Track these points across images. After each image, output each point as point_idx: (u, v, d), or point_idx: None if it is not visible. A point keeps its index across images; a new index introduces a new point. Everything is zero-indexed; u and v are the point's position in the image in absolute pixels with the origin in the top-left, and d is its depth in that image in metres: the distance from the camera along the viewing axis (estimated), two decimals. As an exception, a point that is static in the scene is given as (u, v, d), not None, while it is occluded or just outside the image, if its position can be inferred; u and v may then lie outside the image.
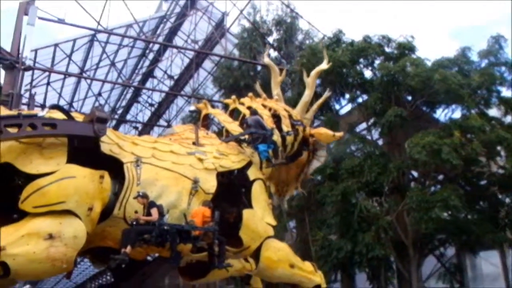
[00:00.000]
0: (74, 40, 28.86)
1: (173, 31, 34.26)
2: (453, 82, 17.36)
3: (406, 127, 18.65)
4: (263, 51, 26.49)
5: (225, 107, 17.23)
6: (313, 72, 14.59)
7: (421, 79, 17.98)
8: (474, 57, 19.83)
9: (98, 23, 24.67)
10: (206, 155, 10.18)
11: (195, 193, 9.43)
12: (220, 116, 12.99)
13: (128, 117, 42.23)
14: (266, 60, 15.16)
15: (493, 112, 19.39)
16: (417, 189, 17.78)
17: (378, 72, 19.87)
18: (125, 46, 33.56)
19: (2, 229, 7.23)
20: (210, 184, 9.75)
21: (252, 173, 10.79)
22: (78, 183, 7.79)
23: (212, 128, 18.29)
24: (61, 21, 22.39)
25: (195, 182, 9.48)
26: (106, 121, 8.42)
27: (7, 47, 19.82)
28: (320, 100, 14.77)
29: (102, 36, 30.00)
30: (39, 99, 28.33)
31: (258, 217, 10.38)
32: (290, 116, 12.95)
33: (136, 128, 37.96)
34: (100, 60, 33.11)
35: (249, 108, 12.46)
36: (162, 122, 38.33)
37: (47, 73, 29.48)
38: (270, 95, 14.38)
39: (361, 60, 20.80)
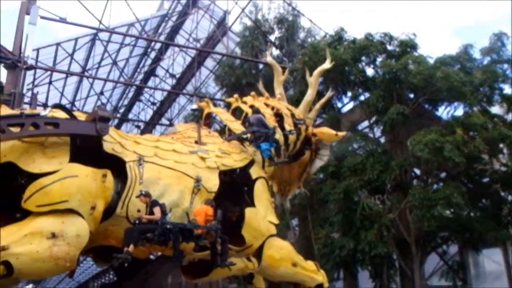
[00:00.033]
0: (76, 39, 28.91)
1: (175, 30, 34.28)
2: (455, 79, 17.33)
3: (408, 125, 18.63)
4: (265, 50, 26.58)
5: (227, 105, 17.23)
6: (316, 72, 14.56)
7: (423, 76, 17.95)
8: (476, 54, 19.83)
9: (100, 22, 24.66)
10: (209, 153, 10.17)
11: (198, 192, 9.43)
12: (223, 114, 12.98)
13: (130, 116, 42.31)
14: (269, 59, 15.14)
15: (496, 109, 19.37)
16: (419, 187, 17.76)
17: (380, 70, 19.83)
18: (127, 45, 33.62)
19: (5, 228, 7.25)
20: (212, 182, 9.74)
21: (254, 172, 10.78)
22: (81, 182, 7.80)
23: (214, 127, 18.28)
24: (63, 20, 22.39)
25: (198, 180, 9.47)
26: (109, 120, 8.42)
27: (9, 46, 19.82)
28: (323, 100, 14.76)
29: (104, 35, 30.04)
30: (41, 98, 28.45)
31: (261, 215, 10.37)
32: (292, 115, 12.91)
33: (138, 127, 37.99)
34: (102, 59, 33.16)
35: (251, 107, 12.45)
36: (164, 120, 38.37)
37: (49, 72, 29.51)
38: (272, 94, 14.36)
39: (363, 58, 20.77)
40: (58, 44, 28.16)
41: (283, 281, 11.69)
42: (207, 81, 32.99)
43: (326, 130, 13.35)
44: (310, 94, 14.18)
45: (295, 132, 12.52)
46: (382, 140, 21.36)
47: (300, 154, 13.17)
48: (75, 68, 31.52)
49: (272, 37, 27.39)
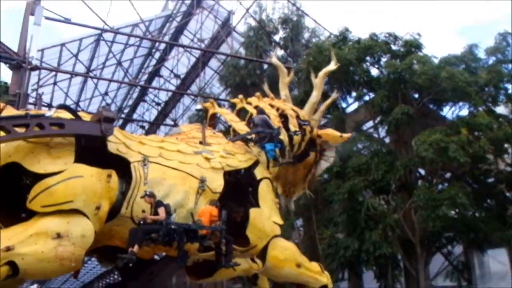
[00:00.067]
0: (81, 40, 28.97)
1: (179, 30, 34.32)
2: (460, 79, 17.29)
3: (413, 125, 18.60)
4: (270, 50, 26.61)
5: (232, 106, 17.23)
6: (321, 73, 14.53)
7: (428, 76, 17.90)
8: (481, 54, 19.75)
9: (105, 22, 24.75)
10: (213, 154, 10.18)
11: (202, 192, 9.43)
12: (227, 115, 12.99)
13: (135, 116, 42.36)
14: (274, 60, 15.12)
15: (501, 109, 19.30)
16: (424, 187, 17.72)
17: (385, 70, 19.80)
18: (132, 45, 33.65)
19: (11, 229, 7.28)
20: (217, 183, 9.75)
21: (259, 172, 10.78)
22: (86, 182, 7.82)
23: (218, 127, 18.29)
24: (67, 21, 22.44)
25: (202, 181, 9.48)
26: (113, 120, 8.45)
27: (14, 47, 19.90)
28: (328, 101, 14.73)
29: (108, 36, 30.09)
30: (45, 98, 28.50)
31: (265, 216, 10.37)
32: (297, 116, 12.90)
33: (142, 127, 38.07)
34: (106, 60, 33.21)
35: (256, 107, 12.43)
36: (168, 121, 38.43)
37: (53, 73, 29.59)
38: (277, 94, 14.36)
39: (368, 58, 20.74)
40: (62, 45, 28.24)
41: (287, 282, 11.67)
42: (212, 82, 32.99)
43: (330, 132, 13.33)
44: (315, 95, 14.15)
45: (300, 133, 12.51)
46: (387, 140, 21.34)
47: (304, 155, 13.16)
48: (80, 68, 31.59)
49: (276, 37, 27.42)
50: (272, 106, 12.85)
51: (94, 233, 7.83)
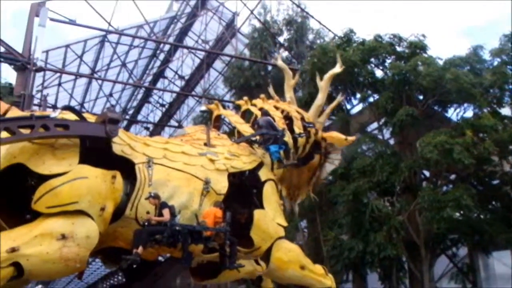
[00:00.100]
0: (85, 41, 29.07)
1: (184, 32, 34.38)
2: (465, 81, 17.23)
3: (417, 127, 18.54)
4: (274, 51, 26.62)
5: (236, 107, 17.23)
6: (326, 76, 14.51)
7: (432, 78, 17.84)
8: (486, 55, 19.65)
9: (109, 24, 24.80)
10: (218, 156, 10.19)
11: (207, 194, 9.45)
12: (232, 117, 13.00)
13: (139, 117, 42.44)
14: (279, 62, 15.10)
15: (506, 111, 19.22)
16: (429, 189, 17.64)
17: (390, 72, 19.73)
18: (136, 46, 33.75)
19: (16, 230, 7.30)
20: (221, 185, 9.76)
21: (263, 174, 10.78)
22: (91, 183, 7.83)
23: (223, 129, 18.30)
24: (72, 22, 22.55)
25: (207, 183, 9.50)
26: (118, 122, 8.46)
27: (19, 48, 19.99)
28: (333, 104, 14.70)
29: (113, 37, 30.17)
30: (50, 100, 28.60)
31: (269, 217, 10.37)
32: (302, 118, 12.88)
33: (147, 128, 38.10)
34: (111, 61, 33.30)
35: (261, 109, 12.44)
36: (173, 122, 38.48)
37: (58, 74, 29.70)
38: (282, 95, 14.36)
39: (372, 59, 20.69)
40: (67, 46, 28.33)
41: (291, 283, 11.65)
42: (216, 83, 33.04)
43: (335, 135, 13.31)
44: (320, 98, 14.12)
45: (305, 135, 12.49)
46: (391, 141, 21.27)
47: (309, 158, 13.14)
48: (84, 70, 31.69)
49: (281, 39, 27.45)
50: (277, 108, 12.84)
51: (99, 234, 7.84)
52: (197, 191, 9.34)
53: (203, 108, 25.82)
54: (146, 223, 8.25)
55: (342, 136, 13.16)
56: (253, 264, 11.46)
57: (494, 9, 70.34)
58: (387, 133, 20.81)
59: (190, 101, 36.88)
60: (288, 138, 11.85)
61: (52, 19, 21.16)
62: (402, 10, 75.64)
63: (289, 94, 14.21)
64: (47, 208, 7.43)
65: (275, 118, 11.92)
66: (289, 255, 10.56)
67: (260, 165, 10.88)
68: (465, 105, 18.91)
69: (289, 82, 14.40)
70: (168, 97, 38.60)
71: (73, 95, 34.34)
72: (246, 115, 13.25)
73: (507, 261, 19.35)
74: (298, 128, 12.45)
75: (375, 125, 22.01)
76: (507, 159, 18.09)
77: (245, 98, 13.52)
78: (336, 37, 23.84)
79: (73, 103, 33.49)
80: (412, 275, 19.14)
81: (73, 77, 31.37)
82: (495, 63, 19.34)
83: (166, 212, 8.31)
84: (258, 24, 27.56)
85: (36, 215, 7.53)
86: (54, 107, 28.23)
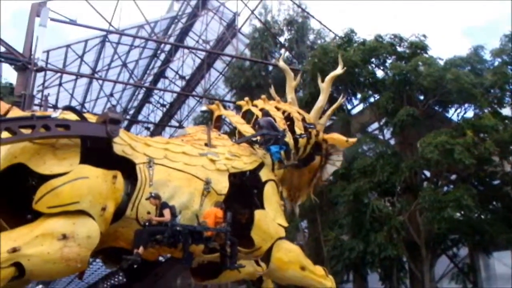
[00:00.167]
0: (86, 41, 29.10)
1: (185, 32, 34.39)
2: (466, 81, 17.24)
3: (418, 127, 18.56)
4: (275, 51, 26.63)
5: (237, 107, 17.21)
6: (328, 78, 14.47)
7: (433, 78, 17.86)
8: (487, 56, 19.67)
9: (110, 24, 24.81)
10: (218, 156, 10.18)
11: (207, 194, 9.43)
12: (233, 117, 12.99)
13: (140, 117, 42.48)
14: (281, 64, 15.06)
15: (507, 111, 19.22)
16: (429, 189, 17.65)
17: (390, 72, 19.75)
18: (137, 46, 33.78)
19: (17, 230, 7.30)
20: (222, 185, 9.75)
21: (264, 175, 10.77)
22: (91, 183, 7.83)
23: (223, 129, 18.30)
24: (73, 22, 22.57)
25: (207, 183, 9.48)
26: (119, 122, 8.46)
27: (19, 48, 20.00)
28: (334, 106, 14.64)
29: (113, 37, 30.19)
30: (51, 100, 28.64)
31: (270, 218, 10.36)
32: (303, 119, 12.85)
33: (147, 128, 38.15)
34: (111, 61, 33.33)
35: (262, 110, 12.43)
36: (173, 122, 38.53)
37: (59, 74, 29.73)
38: (282, 95, 14.35)
39: (373, 59, 20.71)
40: (68, 46, 28.37)
41: (291, 284, 11.64)
42: (217, 83, 33.07)
43: (336, 136, 13.28)
44: (321, 99, 14.06)
45: (306, 136, 12.47)
46: (392, 142, 21.29)
47: (310, 159, 13.10)
48: (85, 70, 31.71)
49: (281, 39, 27.49)
50: (278, 109, 12.81)
51: (100, 234, 7.84)
52: (197, 191, 9.33)
53: (204, 108, 25.83)
54: (146, 223, 8.25)
55: (343, 138, 13.14)
56: (253, 265, 11.45)
57: (494, 9, 70.43)
58: (387, 133, 20.83)
59: (191, 101, 36.91)
60: (289, 138, 11.82)
61: (52, 19, 21.18)
62: (402, 10, 75.69)
63: (290, 95, 14.17)
64: (48, 208, 7.42)
65: (276, 118, 11.90)
66: (290, 255, 10.54)
67: (261, 165, 10.87)
68: (466, 105, 18.92)
69: (290, 83, 14.36)
70: (168, 97, 38.65)
71: (73, 95, 34.37)
72: (247, 116, 13.24)
73: (508, 261, 19.35)
74: (299, 129, 12.43)
75: (375, 125, 22.02)
76: (507, 159, 18.10)
77: (246, 98, 13.50)
78: (337, 37, 23.87)
79: (74, 103, 33.53)
80: (412, 275, 19.15)
81: (73, 77, 31.40)
82: (496, 63, 19.35)
83: (166, 212, 8.30)
84: (258, 24, 27.60)
85: (37, 215, 7.52)
86: (55, 107, 28.27)
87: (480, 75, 18.56)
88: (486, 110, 17.96)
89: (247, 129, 11.94)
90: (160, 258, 11.39)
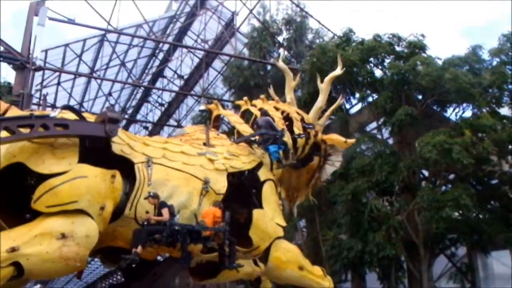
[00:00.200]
0: (84, 40, 29.06)
1: (183, 31, 34.38)
2: (464, 81, 17.27)
3: (416, 126, 18.58)
4: (273, 51, 26.62)
5: (235, 106, 17.21)
6: (327, 78, 14.47)
7: (431, 78, 17.89)
8: (485, 55, 19.69)
9: (108, 23, 24.78)
10: (217, 155, 10.18)
11: (206, 194, 9.44)
12: (231, 117, 12.99)
13: (138, 117, 42.47)
14: (281, 64, 15.05)
15: (505, 111, 19.26)
16: (427, 189, 17.68)
17: (389, 71, 19.76)
18: (135, 46, 33.76)
19: (16, 229, 7.30)
20: (220, 184, 9.75)
21: (262, 174, 10.78)
22: (90, 182, 7.83)
23: (222, 128, 18.31)
24: (71, 22, 22.55)
25: (206, 182, 9.49)
26: (118, 121, 8.46)
27: (18, 47, 19.99)
28: (333, 107, 14.64)
29: (112, 36, 30.17)
30: (49, 99, 28.61)
31: (268, 217, 10.36)
32: (302, 120, 12.86)
33: (146, 128, 38.17)
34: (110, 60, 33.29)
35: (260, 109, 12.44)
36: (172, 121, 38.53)
37: (57, 73, 29.71)
38: (280, 94, 14.35)
39: (371, 59, 20.73)
40: (66, 45, 28.31)
41: (289, 284, 11.64)
42: (215, 82, 33.07)
43: (335, 137, 13.28)
44: (321, 100, 14.06)
45: (304, 136, 12.47)
46: (390, 141, 21.30)
47: (308, 160, 13.09)
48: (83, 69, 31.68)
49: (280, 38, 27.50)
50: (277, 108, 12.82)
51: (98, 233, 7.84)
52: (196, 191, 9.34)
53: (202, 107, 25.87)
54: (145, 223, 8.25)
55: (342, 139, 13.14)
56: (252, 265, 11.45)
57: (493, 9, 70.50)
58: (386, 133, 20.86)
59: (189, 101, 36.91)
60: (287, 138, 11.83)
61: (51, 18, 21.17)
62: (401, 10, 75.72)
63: (289, 95, 14.15)
64: (47, 208, 7.42)
65: (274, 118, 11.90)
66: (288, 255, 10.56)
67: (260, 165, 10.87)
68: (464, 105, 18.96)
69: (290, 83, 14.36)
70: (167, 97, 38.63)
71: (72, 94, 34.33)
72: (246, 115, 13.24)
73: (506, 261, 19.38)
74: (297, 129, 12.43)
75: (374, 124, 22.03)
76: (506, 159, 18.11)
77: (245, 98, 13.50)
78: (335, 37, 23.89)
79: (72, 102, 33.51)
80: (411, 275, 19.17)
81: (72, 76, 31.35)
82: (494, 63, 19.40)
83: (165, 212, 8.30)
84: (257, 24, 27.59)
85: (35, 215, 7.53)
86: (53, 106, 28.28)
87: (478, 74, 18.59)
88: (484, 110, 17.98)
89: (245, 129, 11.94)
90: (159, 258, 11.37)
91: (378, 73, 21.10)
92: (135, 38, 31.41)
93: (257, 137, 11.28)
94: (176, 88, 36.13)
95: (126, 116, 40.71)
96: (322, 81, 14.53)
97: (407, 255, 18.63)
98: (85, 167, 7.90)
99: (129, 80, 35.21)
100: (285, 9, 27.70)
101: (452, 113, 19.84)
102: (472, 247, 19.41)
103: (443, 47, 68.46)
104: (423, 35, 20.33)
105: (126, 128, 34.93)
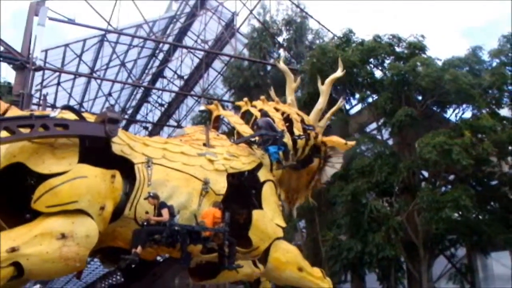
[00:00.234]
0: (84, 41, 29.07)
1: (183, 31, 34.39)
2: (464, 82, 17.26)
3: (416, 127, 18.57)
4: (273, 51, 26.63)
5: (235, 107, 17.20)
6: (328, 80, 14.47)
7: (431, 79, 17.88)
8: (485, 56, 19.68)
9: (108, 23, 24.79)
10: (217, 156, 10.19)
11: (206, 194, 9.45)
12: (231, 117, 13.00)
13: (138, 117, 42.47)
14: (281, 65, 15.06)
15: (504, 112, 19.25)
16: (427, 189, 17.67)
17: (388, 72, 19.76)
18: (135, 46, 33.77)
19: (16, 229, 7.31)
20: (220, 185, 9.76)
21: (262, 175, 10.79)
22: (90, 182, 7.84)
23: (222, 129, 18.30)
24: (71, 22, 22.56)
25: (206, 183, 9.50)
26: (118, 122, 8.47)
27: (18, 47, 19.99)
28: (334, 108, 14.64)
29: (112, 36, 30.19)
30: (49, 99, 28.60)
31: (268, 218, 10.37)
32: (302, 121, 12.87)
33: (146, 128, 38.15)
34: (110, 60, 33.29)
35: (260, 110, 12.44)
36: (172, 122, 38.52)
37: (57, 73, 29.72)
38: (280, 95, 14.35)
39: (371, 60, 20.72)
40: (66, 45, 28.32)
41: (288, 285, 11.64)
42: (215, 83, 33.07)
43: (335, 139, 13.28)
44: (321, 102, 14.05)
45: (304, 137, 12.47)
46: (390, 142, 21.29)
47: (308, 162, 13.09)
48: (83, 69, 31.68)
49: (280, 39, 27.49)
50: (277, 109, 12.84)
51: (98, 233, 7.85)
52: (196, 191, 9.35)
53: (202, 108, 25.86)
54: (145, 223, 8.25)
55: (342, 141, 13.14)
56: (251, 266, 11.45)
57: (493, 9, 70.50)
58: (386, 134, 20.84)
59: (189, 101, 36.91)
60: (287, 139, 11.84)
61: (51, 18, 21.18)
62: (401, 11, 75.73)
63: (290, 96, 14.15)
64: (47, 208, 7.43)
65: (274, 119, 11.91)
66: (287, 256, 10.56)
67: (259, 166, 10.89)
68: (464, 105, 18.94)
69: (290, 85, 14.35)
70: (167, 97, 38.63)
71: (72, 95, 34.33)
72: (246, 116, 13.25)
73: (506, 262, 19.38)
74: (297, 130, 12.43)
75: (374, 125, 22.03)
76: (505, 159, 18.11)
77: (245, 99, 13.52)
78: (335, 37, 23.89)
79: (72, 103, 33.51)
80: (410, 276, 19.16)
81: (72, 76, 31.36)
82: (494, 64, 19.39)
83: (165, 212, 8.31)
84: (257, 24, 27.60)
85: (35, 215, 7.53)
86: (53, 106, 28.29)
87: (478, 75, 18.59)
88: (484, 111, 17.97)
89: (245, 130, 11.95)
90: (158, 258, 11.38)
91: (378, 74, 21.11)
92: (135, 38, 31.44)
93: (257, 138, 11.28)
94: (176, 89, 36.15)
95: (126, 116, 40.71)
96: (322, 82, 14.53)
97: (407, 255, 18.62)
98: (85, 167, 7.91)
99: (129, 80, 35.22)
100: (285, 9, 27.76)
101: (452, 114, 19.84)
102: (471, 248, 19.40)
103: (443, 48, 68.55)
104: (423, 36, 20.36)
105: (126, 128, 34.93)
